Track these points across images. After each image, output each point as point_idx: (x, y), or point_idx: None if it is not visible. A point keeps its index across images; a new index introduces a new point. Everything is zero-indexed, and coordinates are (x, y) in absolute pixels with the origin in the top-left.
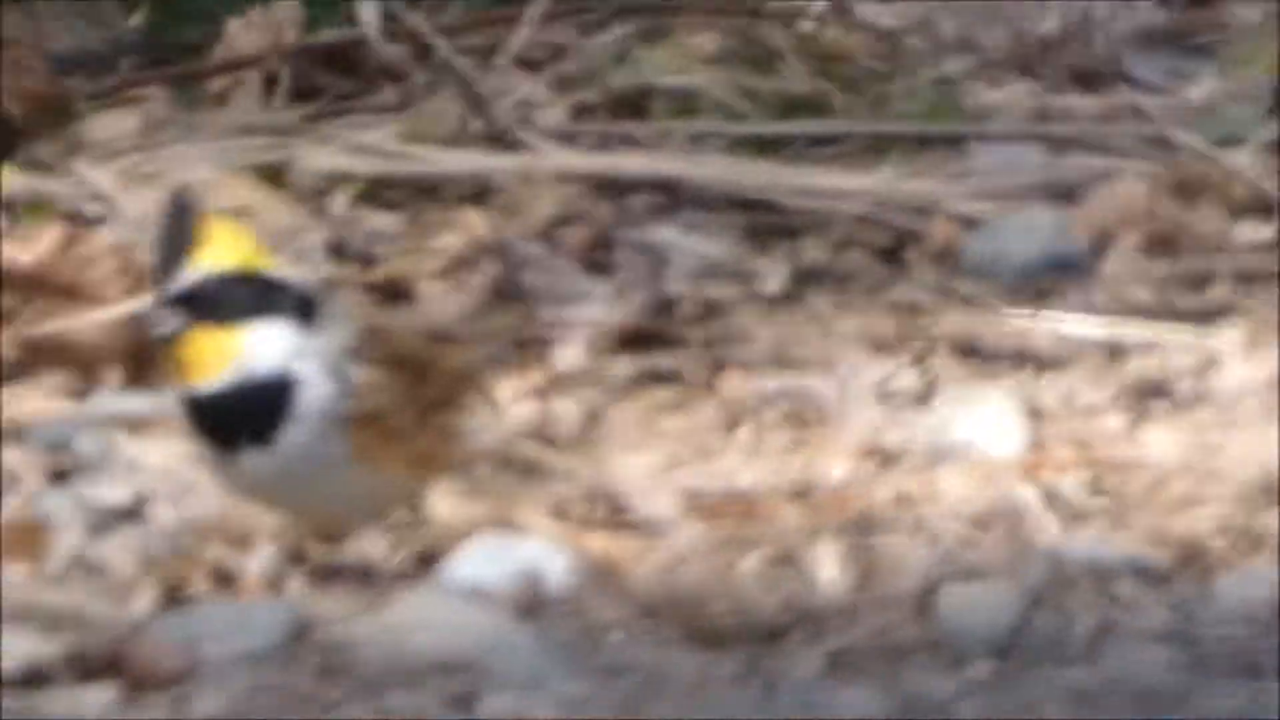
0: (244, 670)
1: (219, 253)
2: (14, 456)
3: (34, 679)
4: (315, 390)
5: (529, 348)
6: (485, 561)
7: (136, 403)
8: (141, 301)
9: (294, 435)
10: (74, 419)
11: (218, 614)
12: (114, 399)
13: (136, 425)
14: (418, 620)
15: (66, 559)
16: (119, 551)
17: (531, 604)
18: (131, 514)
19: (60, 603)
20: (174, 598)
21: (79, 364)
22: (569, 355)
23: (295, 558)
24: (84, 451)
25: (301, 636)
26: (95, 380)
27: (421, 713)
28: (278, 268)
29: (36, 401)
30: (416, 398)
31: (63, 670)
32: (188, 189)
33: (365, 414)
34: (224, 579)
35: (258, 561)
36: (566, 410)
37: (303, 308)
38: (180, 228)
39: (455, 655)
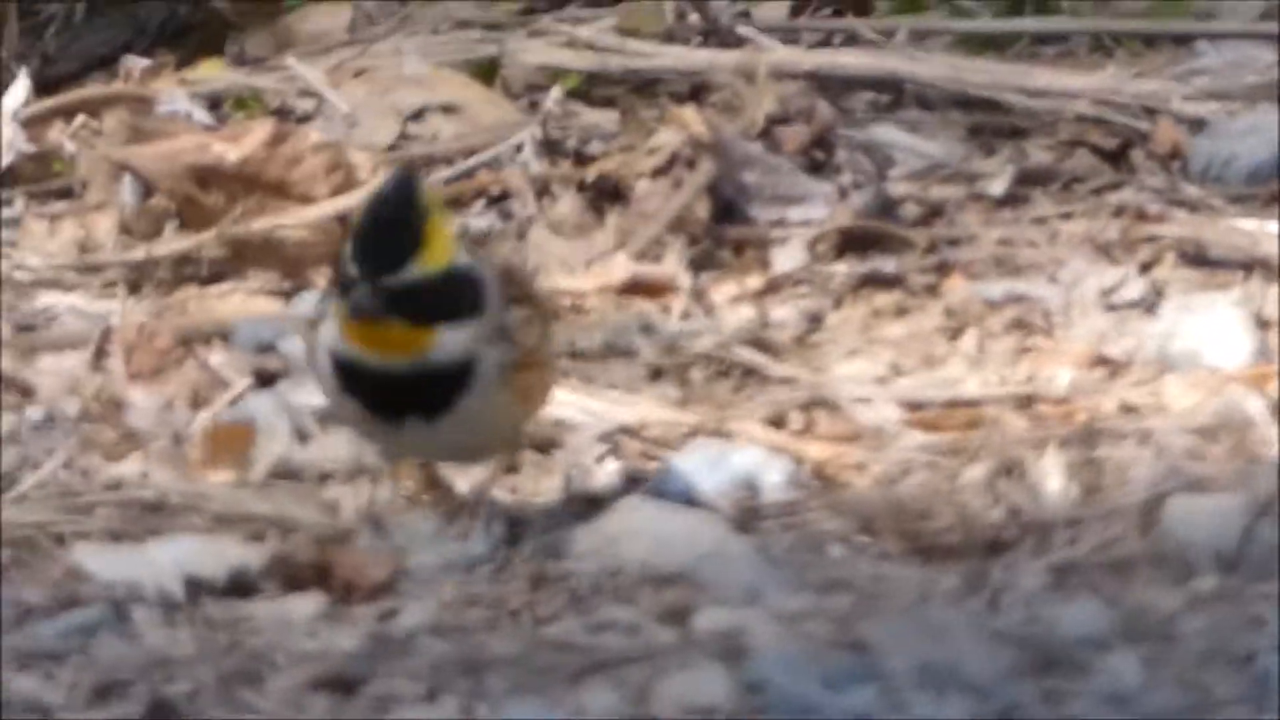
0: (452, 581)
1: (433, 254)
2: (220, 358)
3: (239, 588)
4: (485, 364)
5: (746, 250)
6: (701, 471)
7: None
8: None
9: (468, 404)
10: (280, 320)
11: (426, 522)
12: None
13: None
14: (631, 531)
15: (272, 465)
16: (326, 456)
17: (747, 515)
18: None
19: (265, 510)
20: (383, 504)
21: (287, 263)
22: (787, 258)
23: (507, 465)
24: (291, 353)
25: (513, 544)
26: (302, 281)
27: (635, 627)
28: (463, 254)
29: (243, 301)
30: (545, 331)
31: (268, 579)
32: (412, 169)
33: (520, 360)
34: (434, 486)
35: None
36: (785, 315)
37: (482, 296)
38: (402, 214)
39: (669, 567)
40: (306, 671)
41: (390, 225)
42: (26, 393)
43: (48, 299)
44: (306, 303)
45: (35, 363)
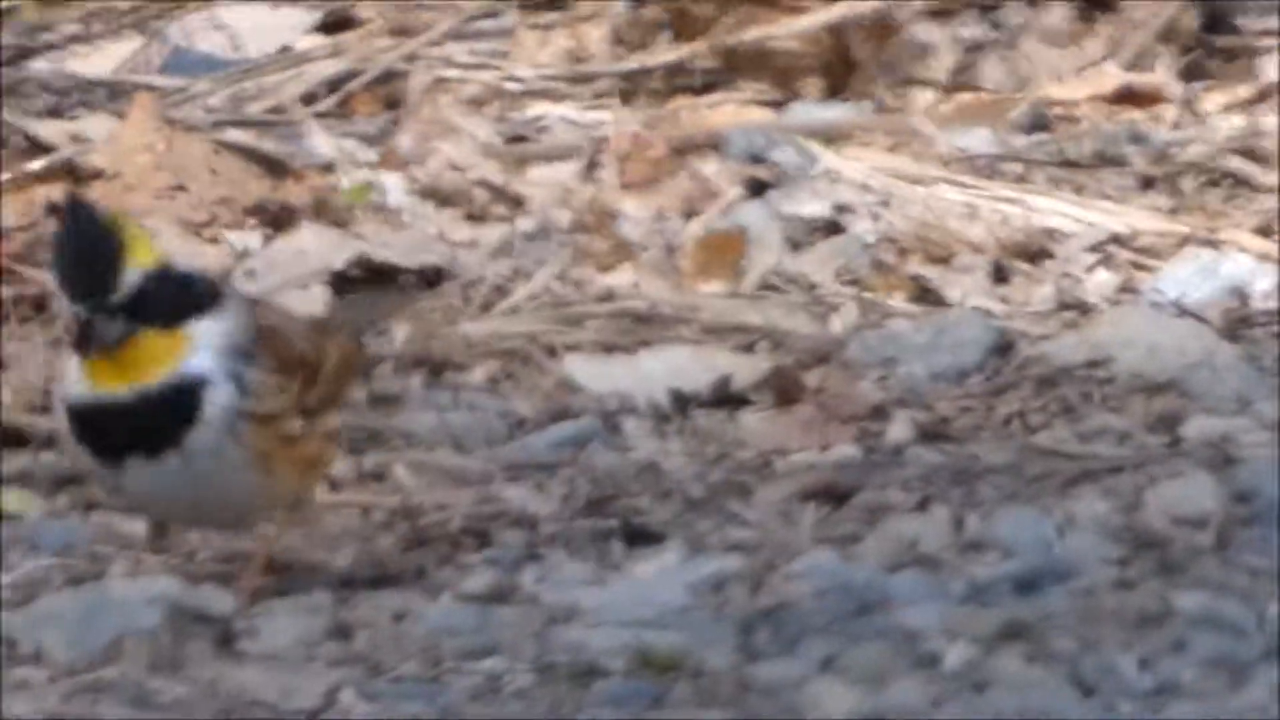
0: (942, 390)
1: (142, 252)
2: (711, 168)
3: (729, 399)
4: (215, 396)
5: (1236, 59)
6: (1190, 280)
7: (835, 114)
8: (76, 312)
9: (191, 441)
10: (772, 129)
11: (917, 332)
12: (813, 109)
13: (835, 137)
14: (1121, 340)
15: (762, 275)
16: (816, 267)
17: (1237, 324)
18: (830, 228)
19: (756, 321)
20: (873, 315)
21: (778, 74)
22: (1276, 67)
23: (996, 276)
24: (782, 163)
25: (1003, 354)
26: (793, 90)
27: (1125, 435)
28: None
29: (735, 111)
30: (306, 400)
31: (758, 390)
32: (76, 195)
33: (262, 417)
34: (925, 295)
35: (961, 278)
36: (1274, 124)
37: (219, 294)
38: (94, 232)
39: (1159, 376)
40: (796, 483)
41: (88, 248)
42: (518, 204)
43: (539, 109)
44: (797, 113)
45: (526, 174)
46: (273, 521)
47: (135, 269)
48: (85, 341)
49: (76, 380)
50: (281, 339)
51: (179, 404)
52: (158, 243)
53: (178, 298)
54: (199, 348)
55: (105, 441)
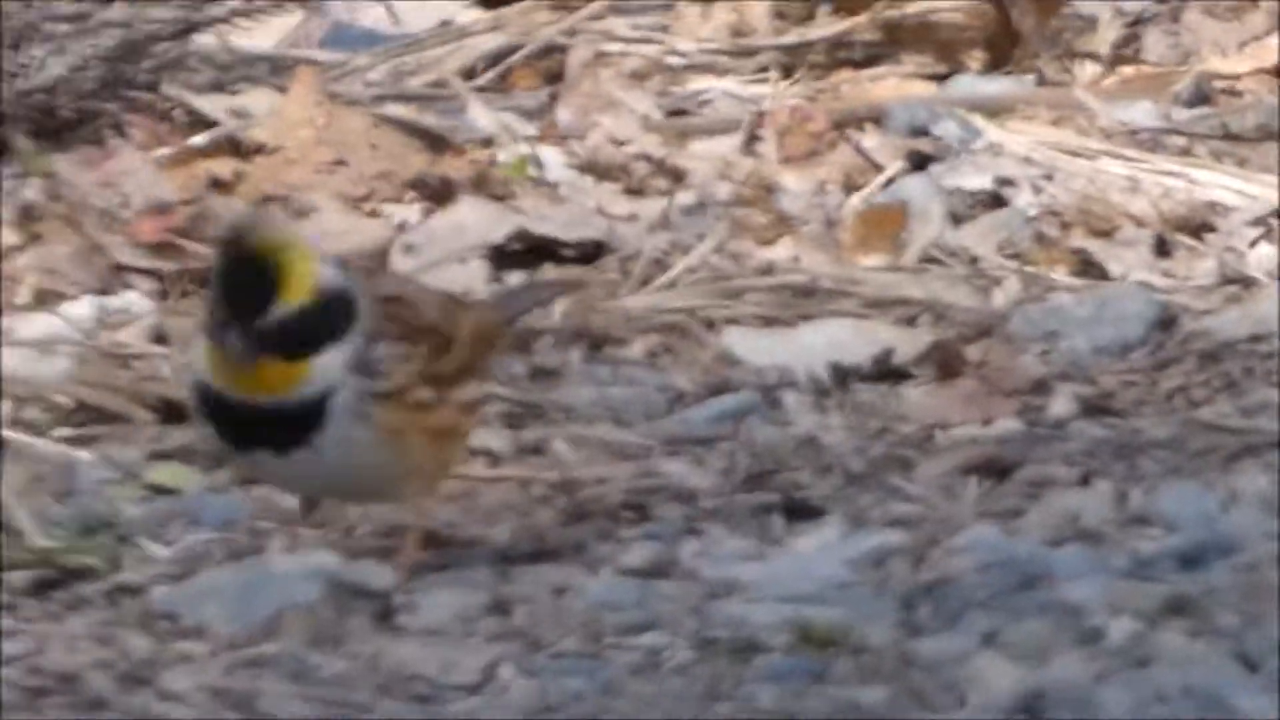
0: (1104, 364)
1: (298, 285)
2: (872, 141)
3: (889, 373)
4: (342, 398)
5: None
6: None
7: (998, 87)
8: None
9: (319, 441)
10: (934, 103)
11: (1079, 306)
12: (975, 82)
13: (997, 110)
14: None
15: (924, 249)
16: (978, 240)
17: None
18: (992, 201)
19: (918, 294)
20: (1035, 288)
21: (940, 47)
22: None
23: (1159, 249)
24: (944, 136)
25: (1166, 328)
26: (956, 63)
27: None
28: (332, 276)
29: (896, 85)
30: (437, 370)
31: (919, 364)
32: (246, 215)
33: (389, 393)
34: (1087, 268)
35: (1124, 251)
36: None
37: (349, 317)
38: (255, 260)
39: None
40: (958, 457)
41: (248, 267)
42: (678, 177)
43: (700, 83)
44: (959, 86)
45: (687, 147)
46: (415, 492)
47: (284, 305)
48: (220, 346)
49: (205, 365)
50: (407, 305)
51: (305, 415)
52: (315, 268)
53: (318, 329)
54: (330, 367)
55: (231, 434)
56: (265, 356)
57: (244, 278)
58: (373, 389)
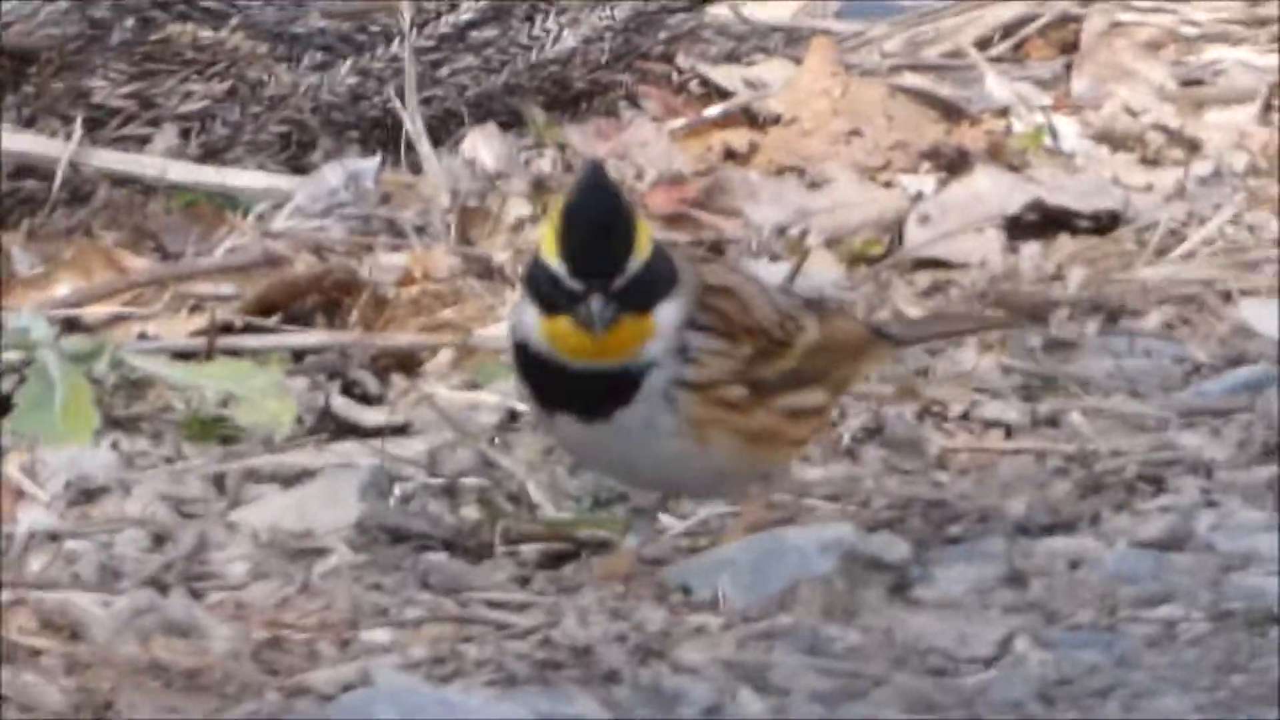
0: None
1: (644, 240)
2: None
3: None
4: (663, 371)
5: None
6: None
7: None
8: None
9: (623, 415)
10: None
11: None
12: None
13: None
14: None
15: None
16: None
17: None
18: None
19: None
20: None
21: None
22: None
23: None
24: None
25: None
26: None
27: None
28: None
29: None
30: (758, 374)
31: None
32: (599, 165)
33: (700, 384)
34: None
35: None
36: None
37: (675, 272)
38: (616, 212)
39: None
40: None
41: (607, 227)
42: (1194, 147)
43: (1215, 53)
44: None
45: (1202, 117)
46: (727, 494)
47: (638, 258)
48: (579, 318)
49: (535, 329)
50: (735, 300)
51: (621, 386)
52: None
53: (656, 284)
54: (659, 334)
55: (545, 393)
56: (618, 315)
57: (605, 234)
58: (684, 376)
